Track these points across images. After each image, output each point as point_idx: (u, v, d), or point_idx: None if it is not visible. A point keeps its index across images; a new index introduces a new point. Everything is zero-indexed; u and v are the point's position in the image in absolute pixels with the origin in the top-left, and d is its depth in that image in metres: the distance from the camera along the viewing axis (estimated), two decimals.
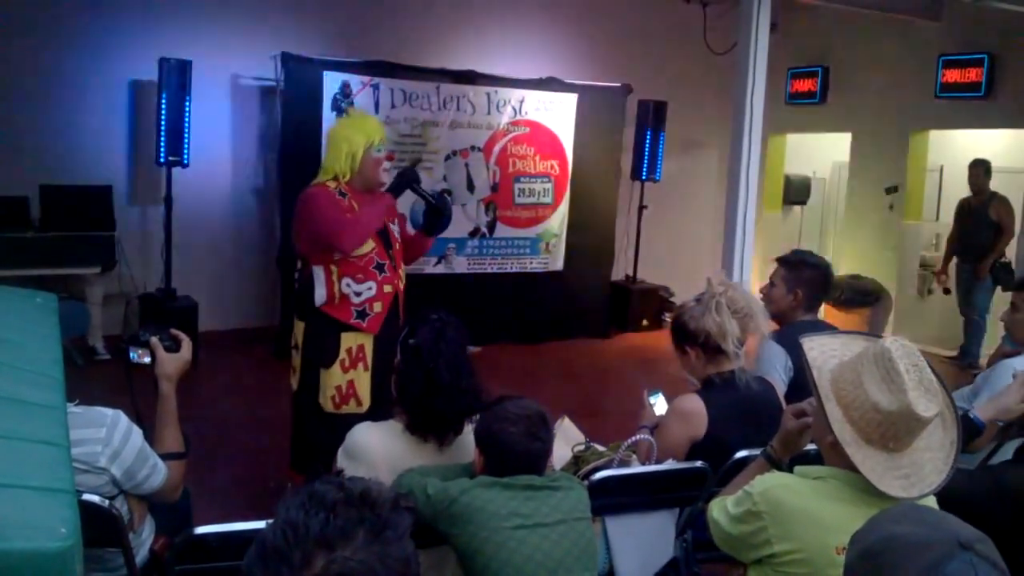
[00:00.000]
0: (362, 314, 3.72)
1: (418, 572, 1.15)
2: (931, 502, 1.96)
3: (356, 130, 3.78)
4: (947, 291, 8.09)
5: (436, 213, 3.87)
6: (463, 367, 2.48)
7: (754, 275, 6.80)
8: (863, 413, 1.88)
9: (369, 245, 3.71)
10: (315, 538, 1.06)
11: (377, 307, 3.74)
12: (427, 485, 2.23)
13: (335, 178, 3.76)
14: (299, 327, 3.81)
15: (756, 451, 2.66)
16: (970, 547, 1.27)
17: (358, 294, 3.70)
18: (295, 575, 1.05)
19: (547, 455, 2.30)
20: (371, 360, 3.74)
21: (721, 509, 2.06)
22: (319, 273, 3.70)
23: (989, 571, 1.26)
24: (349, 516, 1.08)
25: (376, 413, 3.58)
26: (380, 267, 3.73)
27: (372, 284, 3.71)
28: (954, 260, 8.01)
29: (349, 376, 3.73)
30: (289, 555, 1.06)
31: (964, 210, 7.92)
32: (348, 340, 3.72)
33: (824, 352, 2.02)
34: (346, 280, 3.69)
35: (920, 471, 1.90)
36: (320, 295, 3.71)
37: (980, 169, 7.77)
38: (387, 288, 3.75)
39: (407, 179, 3.83)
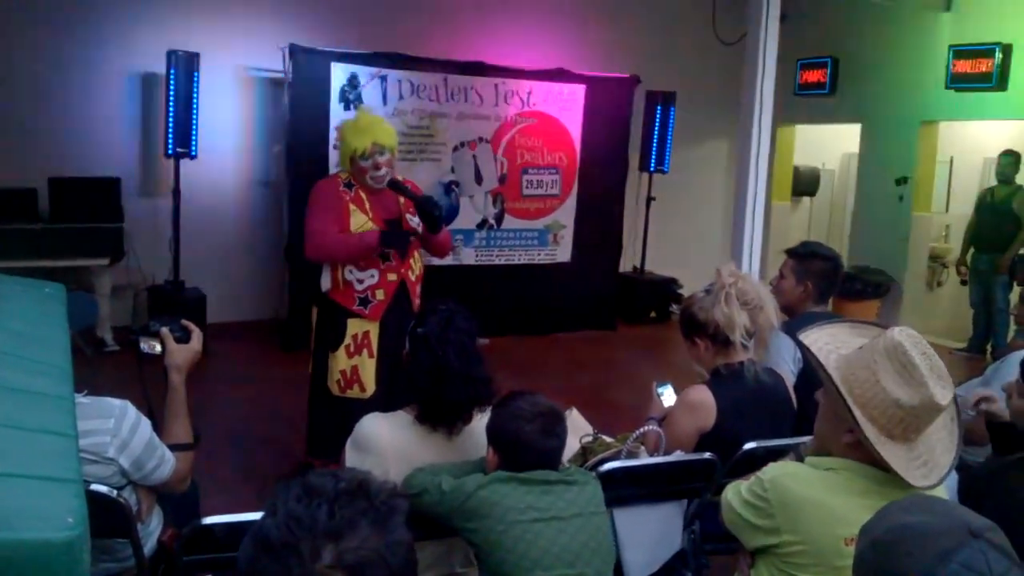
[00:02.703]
0: (364, 301, 3.81)
1: (416, 559, 1.16)
2: (942, 492, 1.95)
3: (352, 134, 3.84)
4: (964, 282, 8.03)
5: (423, 214, 3.86)
6: (472, 355, 2.48)
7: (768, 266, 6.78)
8: (884, 410, 1.85)
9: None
10: (323, 530, 1.06)
11: (380, 295, 3.82)
12: (441, 482, 2.22)
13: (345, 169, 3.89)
14: (314, 312, 3.94)
15: (765, 442, 2.66)
16: (980, 535, 1.28)
17: (360, 281, 3.80)
18: (307, 566, 1.06)
19: (562, 451, 2.29)
20: (376, 347, 3.80)
21: (735, 492, 2.06)
22: (325, 260, 3.82)
23: (999, 559, 1.27)
24: (352, 507, 1.09)
25: (380, 399, 3.65)
26: (385, 256, 3.78)
27: (375, 272, 3.79)
28: (970, 251, 7.95)
29: (353, 361, 3.83)
30: (298, 547, 1.06)
31: (985, 201, 7.84)
32: (354, 326, 3.83)
33: (821, 349, 1.98)
34: (349, 267, 3.79)
35: (933, 454, 1.90)
36: (325, 281, 3.83)
37: (1011, 159, 7.70)
38: (391, 277, 3.82)
39: (396, 240, 3.83)
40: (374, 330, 3.82)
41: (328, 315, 3.85)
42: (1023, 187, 7.66)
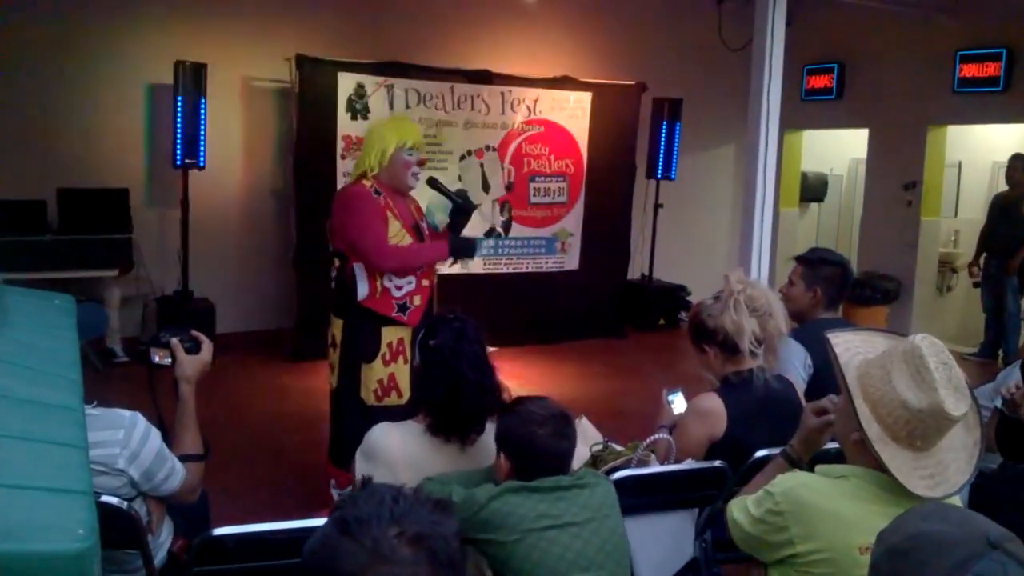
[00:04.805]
0: (403, 308, 3.82)
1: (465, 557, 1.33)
2: (956, 502, 1.93)
3: (391, 129, 3.88)
4: (976, 284, 8.01)
5: (462, 212, 3.97)
6: (485, 365, 2.47)
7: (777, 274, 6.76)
8: (891, 410, 1.85)
9: (406, 241, 3.79)
10: (388, 512, 1.20)
11: (417, 300, 3.84)
12: (452, 492, 2.21)
13: (365, 175, 3.84)
14: (337, 324, 3.89)
15: (776, 450, 2.63)
16: (999, 545, 1.26)
17: (399, 288, 3.80)
18: (377, 536, 1.17)
19: (573, 453, 2.28)
20: (410, 353, 3.80)
21: (741, 509, 2.04)
22: (360, 269, 3.78)
23: (1017, 570, 1.25)
24: (411, 500, 1.24)
25: (416, 404, 3.64)
26: (436, 262, 3.85)
27: (412, 278, 3.82)
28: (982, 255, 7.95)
29: (390, 369, 3.82)
30: (370, 523, 1.19)
31: (997, 205, 7.86)
32: (389, 334, 3.81)
33: (848, 349, 1.99)
34: (388, 275, 3.77)
35: (944, 471, 1.87)
36: (363, 290, 3.79)
37: (1019, 163, 7.69)
38: (425, 282, 3.86)
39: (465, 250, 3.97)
40: (408, 336, 3.81)
41: (360, 326, 3.80)
42: None
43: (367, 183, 3.81)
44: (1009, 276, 7.56)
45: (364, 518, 1.19)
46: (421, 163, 3.88)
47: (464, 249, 3.93)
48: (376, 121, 4.22)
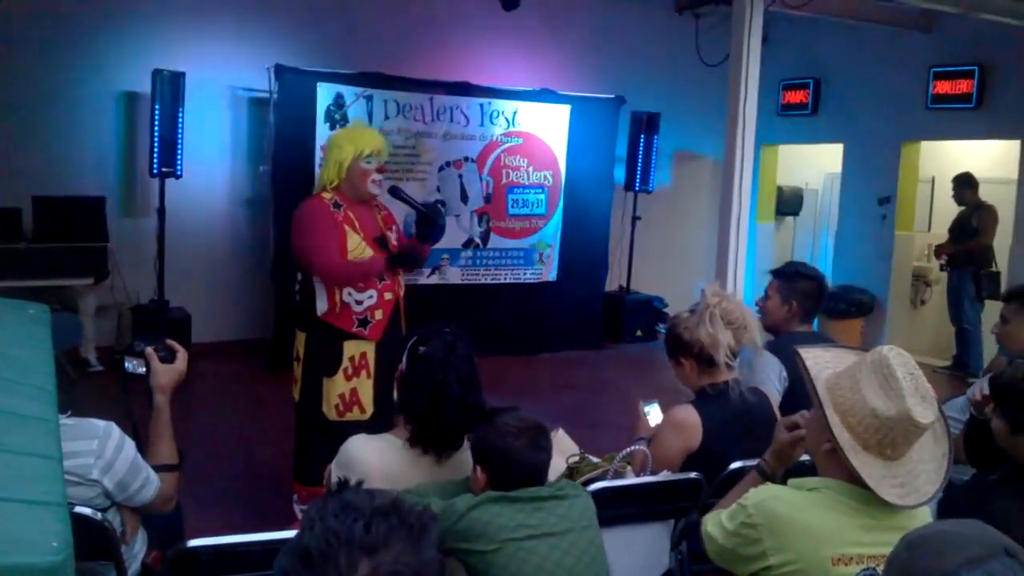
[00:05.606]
0: (364, 322, 3.76)
1: None
2: (925, 514, 1.96)
3: (348, 139, 3.83)
4: (943, 268, 8.23)
5: (426, 221, 3.86)
6: (472, 383, 2.46)
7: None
8: (861, 419, 1.88)
9: (367, 254, 3.74)
10: (359, 544, 1.10)
11: (378, 315, 3.77)
12: (431, 503, 2.20)
13: (326, 188, 3.80)
14: (300, 338, 3.84)
15: (751, 462, 2.65)
16: (1015, 555, 1.29)
17: (359, 303, 3.74)
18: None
19: (548, 465, 2.29)
20: (373, 367, 3.77)
21: (715, 523, 2.05)
22: (320, 284, 3.74)
23: None
24: (387, 523, 1.13)
25: (379, 420, 3.58)
26: (380, 275, 3.75)
27: (373, 292, 3.75)
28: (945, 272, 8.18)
29: (352, 384, 3.77)
30: (336, 558, 1.09)
31: (957, 221, 8.08)
32: (351, 348, 3.76)
33: (818, 363, 2.02)
34: (347, 289, 3.72)
35: (915, 481, 1.90)
36: (322, 306, 3.74)
37: (955, 183, 8.02)
38: (387, 295, 3.79)
39: (408, 259, 3.84)
40: (371, 350, 3.76)
41: (321, 340, 3.75)
42: (985, 204, 7.85)
43: (327, 196, 3.77)
44: (939, 260, 8.05)
45: (329, 552, 1.09)
46: (381, 171, 3.81)
47: (405, 259, 3.79)
48: (337, 132, 4.14)
